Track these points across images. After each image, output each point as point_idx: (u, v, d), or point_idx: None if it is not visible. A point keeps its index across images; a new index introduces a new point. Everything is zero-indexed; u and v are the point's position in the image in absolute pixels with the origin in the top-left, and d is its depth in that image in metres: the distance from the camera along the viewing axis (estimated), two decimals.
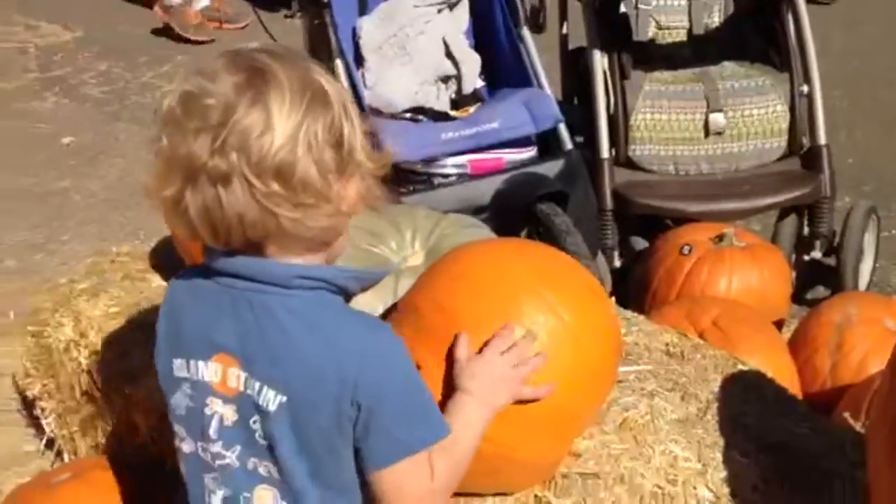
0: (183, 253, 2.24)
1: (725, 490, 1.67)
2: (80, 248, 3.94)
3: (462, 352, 1.45)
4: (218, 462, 1.31)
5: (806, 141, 3.34)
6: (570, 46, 3.74)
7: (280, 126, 1.20)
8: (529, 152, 3.13)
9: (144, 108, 5.43)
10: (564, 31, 3.73)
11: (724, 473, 1.70)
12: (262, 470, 1.30)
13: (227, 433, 1.31)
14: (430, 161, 3.05)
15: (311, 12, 3.29)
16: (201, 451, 1.33)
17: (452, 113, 3.27)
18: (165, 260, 2.48)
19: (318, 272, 1.29)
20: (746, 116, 3.28)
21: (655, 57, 3.45)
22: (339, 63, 3.12)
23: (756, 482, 1.69)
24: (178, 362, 1.34)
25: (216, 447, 1.31)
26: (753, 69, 3.39)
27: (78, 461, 2.22)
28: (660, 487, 1.67)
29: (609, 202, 3.21)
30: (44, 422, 2.56)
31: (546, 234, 2.68)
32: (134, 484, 2.06)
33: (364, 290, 1.39)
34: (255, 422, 1.28)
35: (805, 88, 3.31)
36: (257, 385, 1.27)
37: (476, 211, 2.81)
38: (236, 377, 1.28)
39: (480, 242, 1.79)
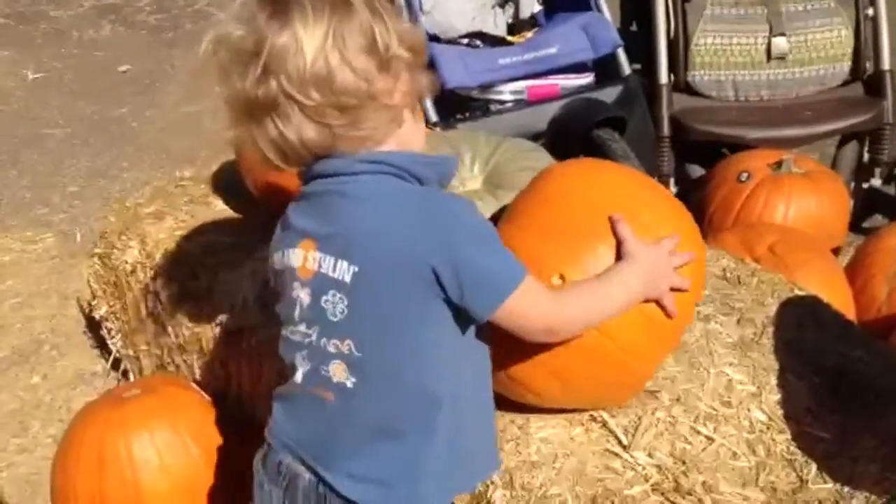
0: (245, 175, 2.27)
1: (779, 412, 1.69)
2: (140, 174, 4.01)
3: (628, 231, 1.49)
4: (306, 340, 1.40)
5: (869, 66, 3.28)
6: None
7: (308, 44, 1.28)
8: (587, 78, 3.11)
9: (198, 35, 5.41)
10: None
11: (778, 396, 1.72)
12: (331, 348, 1.37)
13: (306, 314, 1.40)
14: (487, 87, 3.05)
15: None
16: (291, 333, 1.43)
17: (510, 38, 3.24)
18: (227, 184, 2.52)
19: (382, 156, 1.36)
20: (810, 41, 3.22)
21: None
22: None
23: (810, 405, 1.70)
24: (276, 256, 1.45)
25: (301, 327, 1.41)
26: None
27: (147, 378, 2.29)
28: (714, 409, 1.69)
29: (667, 128, 3.18)
30: (110, 342, 2.65)
31: (603, 159, 2.66)
32: (201, 400, 2.13)
33: (442, 181, 1.44)
34: (326, 301, 1.36)
35: (870, 11, 3.24)
36: (331, 260, 1.36)
37: (533, 137, 2.80)
38: (313, 258, 1.38)
39: (562, 166, 1.79)
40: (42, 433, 2.57)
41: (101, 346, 2.77)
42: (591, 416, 1.68)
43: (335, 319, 1.36)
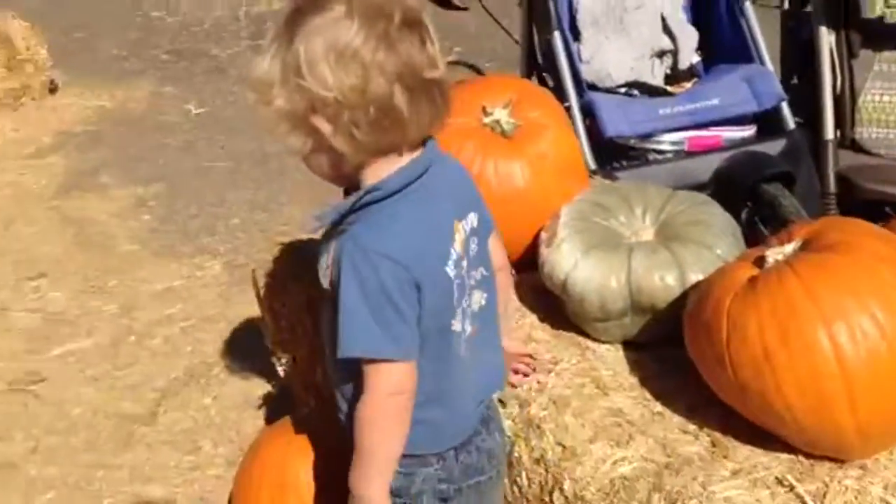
0: None
1: None
2: (297, 209, 4.16)
3: None
4: (462, 295, 1.55)
5: None
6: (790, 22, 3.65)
7: None
8: (749, 130, 3.09)
9: None
10: (786, 6, 3.64)
11: None
12: (477, 275, 1.59)
13: (463, 272, 1.55)
14: (646, 137, 3.06)
15: None
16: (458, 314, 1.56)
17: (668, 88, 3.26)
18: None
19: None
20: None
21: (885, 36, 3.32)
22: (556, 35, 3.14)
23: None
24: (448, 266, 1.52)
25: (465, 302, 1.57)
26: None
27: (320, 403, 2.34)
28: None
29: (833, 185, 3.13)
30: (279, 369, 2.74)
31: (771, 216, 2.65)
32: None
33: None
34: (472, 249, 1.58)
35: None
36: (469, 218, 1.58)
37: (692, 188, 2.79)
38: (461, 228, 1.56)
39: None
40: (213, 452, 2.69)
41: (269, 372, 2.87)
42: (777, 479, 1.66)
43: (472, 255, 1.57)
